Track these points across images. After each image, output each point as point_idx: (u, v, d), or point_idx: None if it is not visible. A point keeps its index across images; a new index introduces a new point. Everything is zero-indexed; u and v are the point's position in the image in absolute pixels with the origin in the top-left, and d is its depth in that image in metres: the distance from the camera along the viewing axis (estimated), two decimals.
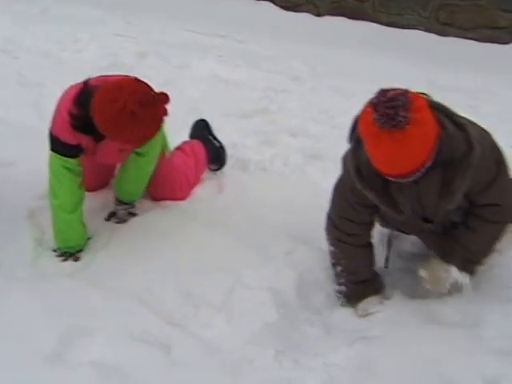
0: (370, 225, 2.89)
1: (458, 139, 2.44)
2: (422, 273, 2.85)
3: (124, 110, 2.74)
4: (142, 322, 2.75)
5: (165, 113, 2.87)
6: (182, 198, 3.55)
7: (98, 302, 2.83)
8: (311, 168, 4.00)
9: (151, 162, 3.31)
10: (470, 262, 2.82)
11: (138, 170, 3.30)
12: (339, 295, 2.95)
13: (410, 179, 2.43)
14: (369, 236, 2.92)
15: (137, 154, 3.24)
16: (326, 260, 3.05)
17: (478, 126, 2.59)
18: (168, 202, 3.50)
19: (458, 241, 2.79)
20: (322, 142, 4.31)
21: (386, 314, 2.82)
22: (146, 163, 3.30)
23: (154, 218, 3.36)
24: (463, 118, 2.52)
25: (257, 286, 2.95)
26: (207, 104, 4.68)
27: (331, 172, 3.90)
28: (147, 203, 3.49)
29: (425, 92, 2.54)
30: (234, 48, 5.98)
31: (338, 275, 2.95)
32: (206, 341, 2.70)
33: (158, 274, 3.00)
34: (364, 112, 2.37)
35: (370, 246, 2.94)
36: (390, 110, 2.25)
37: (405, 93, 2.29)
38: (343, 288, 2.93)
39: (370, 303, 2.89)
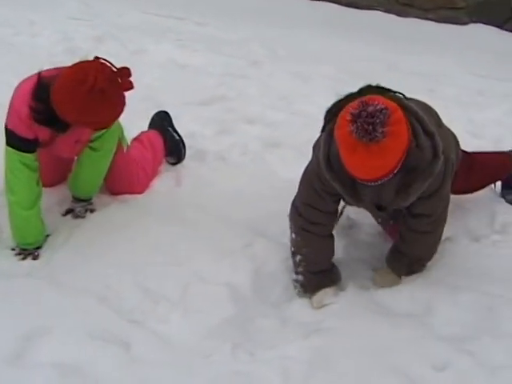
0: (334, 215, 2.97)
1: (426, 149, 2.57)
2: (376, 282, 3.04)
3: (93, 90, 2.76)
4: (101, 320, 2.79)
5: (130, 86, 2.90)
6: (140, 192, 3.57)
7: (57, 301, 2.86)
8: (270, 156, 4.04)
9: (106, 157, 3.33)
10: (414, 267, 3.05)
11: (93, 165, 3.31)
12: (296, 284, 3.01)
13: (378, 183, 2.54)
14: (332, 227, 2.99)
15: (91, 148, 3.25)
16: (284, 252, 3.13)
17: (445, 134, 2.79)
18: (126, 196, 3.52)
19: (400, 250, 3.01)
20: (281, 129, 4.35)
21: (340, 306, 2.89)
22: (101, 158, 3.31)
23: (112, 213, 3.39)
24: (433, 125, 2.66)
25: (214, 280, 3.00)
26: (164, 91, 4.70)
27: (290, 160, 3.99)
28: (105, 198, 3.51)
29: (401, 93, 2.67)
30: (193, 31, 5.97)
31: (296, 264, 3.01)
32: (165, 337, 2.75)
33: (117, 270, 3.03)
34: (342, 119, 2.44)
35: (331, 236, 3.01)
36: (369, 125, 2.35)
37: (384, 108, 2.38)
38: (300, 277, 3.00)
39: (326, 294, 2.96)
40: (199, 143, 4.07)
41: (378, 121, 2.35)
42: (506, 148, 4.05)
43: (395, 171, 2.51)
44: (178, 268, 3.05)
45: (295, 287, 3.02)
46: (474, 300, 2.88)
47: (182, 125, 4.04)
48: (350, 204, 2.89)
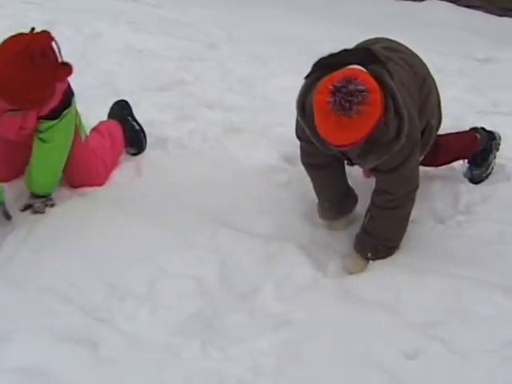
0: (325, 158, 3.07)
1: (391, 127, 2.69)
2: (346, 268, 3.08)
3: (25, 51, 2.75)
4: (66, 320, 2.72)
5: (62, 80, 2.92)
6: (100, 184, 3.49)
7: (19, 302, 2.79)
8: (231, 143, 3.99)
9: (57, 150, 3.24)
10: (379, 248, 3.08)
11: (44, 158, 3.22)
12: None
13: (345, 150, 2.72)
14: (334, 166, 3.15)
15: (41, 139, 3.18)
16: (248, 243, 3.12)
17: (415, 119, 2.87)
18: (86, 189, 3.44)
19: (366, 231, 3.09)
20: (241, 113, 4.30)
21: (309, 296, 2.87)
22: (51, 151, 3.22)
23: (73, 208, 3.31)
24: (406, 108, 2.73)
25: (180, 273, 2.96)
26: (122, 77, 4.61)
27: (251, 146, 3.95)
28: (65, 191, 3.43)
29: (380, 71, 2.68)
30: (147, 13, 5.84)
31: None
32: (133, 334, 2.70)
33: (80, 267, 2.97)
34: (324, 87, 2.57)
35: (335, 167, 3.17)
36: (346, 102, 2.49)
37: (364, 90, 2.51)
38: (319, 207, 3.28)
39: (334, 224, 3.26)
40: (159, 130, 4.00)
41: (355, 100, 2.49)
42: (466, 125, 4.07)
43: (358, 144, 2.65)
44: (143, 262, 2.99)
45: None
46: (441, 284, 2.90)
47: (140, 111, 3.97)
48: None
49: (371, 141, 2.68)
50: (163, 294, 2.86)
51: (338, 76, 2.56)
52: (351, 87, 2.50)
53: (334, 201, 3.24)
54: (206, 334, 2.70)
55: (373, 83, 2.57)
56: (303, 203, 3.47)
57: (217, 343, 2.66)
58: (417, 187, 3.03)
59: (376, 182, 3.03)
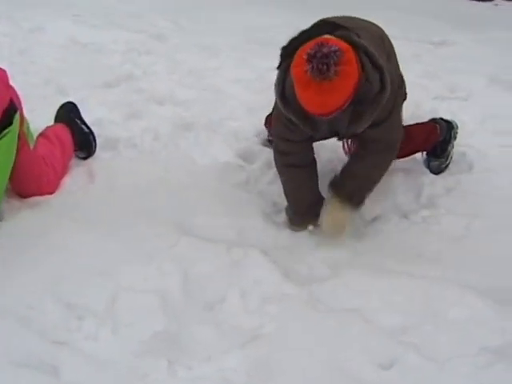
0: (308, 143, 3.15)
1: (374, 82, 2.80)
2: (323, 217, 3.12)
3: None
4: (24, 344, 2.56)
5: None
6: (51, 192, 3.33)
7: None
8: (183, 141, 3.88)
9: None
10: (357, 193, 3.12)
11: None
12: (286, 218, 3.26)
13: (330, 117, 2.76)
14: (308, 156, 3.18)
15: None
16: (210, 251, 3.00)
17: (394, 68, 3.04)
18: (37, 199, 3.27)
19: (349, 169, 3.14)
20: (193, 108, 4.19)
21: (278, 307, 2.75)
22: None
23: (24, 220, 3.12)
24: (382, 59, 2.85)
25: (141, 288, 2.80)
26: (66, 74, 4.46)
27: (204, 143, 3.84)
28: (14, 202, 3.25)
29: (347, 33, 2.77)
30: (90, 5, 5.66)
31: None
32: (95, 356, 2.54)
33: (36, 287, 2.78)
34: (299, 58, 2.66)
35: (312, 167, 3.20)
36: (323, 65, 2.58)
37: (338, 50, 2.61)
38: (289, 212, 3.23)
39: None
40: (108, 130, 3.86)
41: (331, 61, 2.58)
42: (425, 112, 4.03)
43: (344, 107, 2.72)
44: (102, 277, 2.83)
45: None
46: (411, 286, 2.83)
47: (87, 110, 3.83)
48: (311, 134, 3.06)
49: (359, 101, 2.77)
50: (124, 311, 2.70)
51: (310, 45, 2.64)
52: (325, 50, 2.59)
53: (312, 203, 3.17)
54: (173, 353, 2.56)
55: (344, 44, 2.66)
56: (263, 203, 3.39)
57: (184, 361, 2.53)
58: (400, 140, 3.13)
59: (362, 136, 3.06)
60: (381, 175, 3.14)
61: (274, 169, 3.31)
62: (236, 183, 3.51)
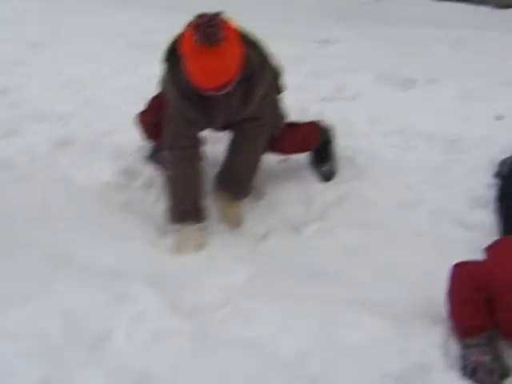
0: (200, 139, 3.23)
1: (253, 56, 2.97)
2: (220, 214, 3.27)
3: None
4: None
5: None
6: None
7: None
8: (63, 159, 3.67)
9: None
10: (243, 184, 3.26)
11: None
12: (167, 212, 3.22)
13: (223, 92, 2.87)
14: (198, 150, 3.22)
15: None
16: (93, 284, 2.78)
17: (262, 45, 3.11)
18: None
19: (228, 165, 3.26)
20: (71, 124, 4.01)
21: (166, 344, 2.52)
22: None
23: None
24: (252, 36, 3.03)
25: (18, 333, 2.55)
26: None
27: (83, 162, 3.63)
28: None
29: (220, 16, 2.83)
30: None
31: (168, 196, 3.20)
32: None
33: None
34: (186, 35, 2.78)
35: (199, 162, 3.22)
36: (210, 28, 2.69)
37: (217, 15, 2.75)
38: (170, 204, 3.18)
39: (189, 236, 3.11)
40: None
41: (216, 23, 2.71)
42: (313, 113, 3.94)
43: (236, 78, 2.85)
44: None
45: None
46: (308, 309, 2.66)
47: None
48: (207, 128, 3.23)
49: (247, 77, 2.93)
50: (2, 360, 2.45)
51: (194, 23, 2.75)
52: (207, 17, 2.73)
53: (199, 200, 3.18)
54: None
55: (221, 18, 2.78)
56: (147, 226, 3.23)
57: None
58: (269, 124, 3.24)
59: (236, 133, 3.24)
60: (259, 159, 3.28)
61: (157, 187, 3.23)
62: (118, 205, 3.36)
